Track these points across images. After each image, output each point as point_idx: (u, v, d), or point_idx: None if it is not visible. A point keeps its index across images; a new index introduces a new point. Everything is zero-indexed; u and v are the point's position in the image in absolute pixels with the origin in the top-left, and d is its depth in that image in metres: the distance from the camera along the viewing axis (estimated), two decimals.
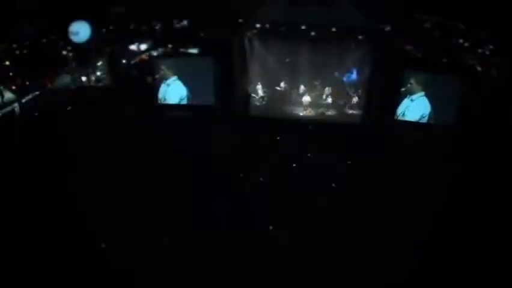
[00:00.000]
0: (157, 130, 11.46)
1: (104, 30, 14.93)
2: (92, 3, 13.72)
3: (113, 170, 9.02)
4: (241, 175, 9.37)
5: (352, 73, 12.35)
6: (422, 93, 11.97)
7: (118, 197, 8.12)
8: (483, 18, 11.55)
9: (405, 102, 12.11)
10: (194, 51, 13.04)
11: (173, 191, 8.49)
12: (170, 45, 13.28)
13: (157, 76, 12.98)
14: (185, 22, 13.06)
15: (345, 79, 12.40)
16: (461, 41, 12.63)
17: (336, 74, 12.35)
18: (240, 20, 12.56)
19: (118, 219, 7.53)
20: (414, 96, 12.03)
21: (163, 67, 13.10)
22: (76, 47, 13.72)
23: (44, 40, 15.86)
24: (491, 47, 12.49)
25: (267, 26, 12.31)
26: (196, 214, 7.88)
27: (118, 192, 8.28)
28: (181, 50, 13.10)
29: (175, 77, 13.02)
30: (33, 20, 14.43)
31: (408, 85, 11.99)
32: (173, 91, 13.17)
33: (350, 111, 12.49)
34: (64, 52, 15.37)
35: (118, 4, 14.10)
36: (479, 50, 12.49)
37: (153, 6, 13.52)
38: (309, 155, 10.25)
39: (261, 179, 9.27)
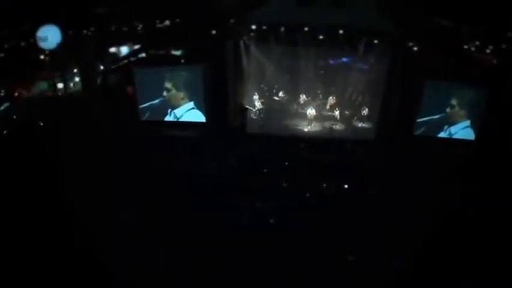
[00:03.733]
0: (140, 149, 9.86)
1: (85, 32, 13.73)
2: (71, 4, 12.46)
3: (88, 192, 7.47)
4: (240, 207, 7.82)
5: None
6: (468, 122, 9.64)
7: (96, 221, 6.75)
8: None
9: (442, 135, 9.92)
10: (177, 52, 11.35)
11: (157, 217, 7.18)
12: (152, 50, 11.64)
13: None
14: (167, 22, 11.38)
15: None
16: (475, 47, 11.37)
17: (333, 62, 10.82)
18: (234, 21, 11.02)
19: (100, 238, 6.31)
20: (454, 128, 9.66)
21: (168, 85, 10.01)
22: (53, 51, 12.51)
23: (24, 43, 14.70)
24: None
25: (265, 27, 10.69)
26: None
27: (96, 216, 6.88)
28: (164, 54, 11.36)
29: (189, 104, 10.31)
30: (14, 22, 13.25)
31: (448, 109, 9.74)
32: None
33: (360, 125, 11.04)
34: (42, 56, 14.16)
35: (99, 5, 12.81)
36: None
37: (136, 7, 12.15)
38: (324, 185, 8.58)
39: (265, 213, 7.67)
